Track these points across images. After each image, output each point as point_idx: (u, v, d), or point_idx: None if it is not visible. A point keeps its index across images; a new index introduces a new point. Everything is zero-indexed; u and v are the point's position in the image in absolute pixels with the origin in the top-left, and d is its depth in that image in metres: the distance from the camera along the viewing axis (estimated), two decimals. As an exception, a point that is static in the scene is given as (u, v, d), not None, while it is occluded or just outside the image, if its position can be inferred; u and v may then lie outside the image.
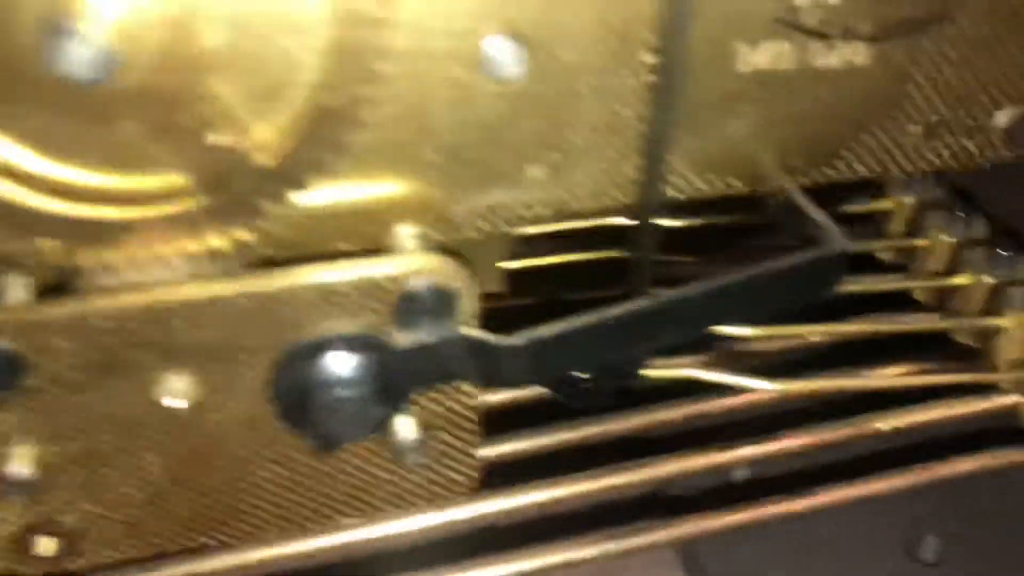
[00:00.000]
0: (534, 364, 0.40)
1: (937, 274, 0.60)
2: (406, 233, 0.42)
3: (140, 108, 0.35)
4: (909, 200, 0.63)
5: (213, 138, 0.36)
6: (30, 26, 0.31)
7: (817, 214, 0.43)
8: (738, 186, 0.44)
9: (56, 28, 0.30)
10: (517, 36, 0.37)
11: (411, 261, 0.40)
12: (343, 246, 0.42)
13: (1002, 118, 0.45)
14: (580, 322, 0.40)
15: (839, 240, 0.42)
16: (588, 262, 0.54)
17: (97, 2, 0.31)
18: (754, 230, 0.55)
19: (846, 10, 0.40)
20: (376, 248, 0.41)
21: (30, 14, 0.31)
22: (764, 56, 0.41)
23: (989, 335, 0.56)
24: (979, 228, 0.60)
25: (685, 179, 0.43)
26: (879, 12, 0.40)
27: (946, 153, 0.46)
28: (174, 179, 0.37)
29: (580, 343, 0.40)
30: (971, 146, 0.46)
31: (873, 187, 0.65)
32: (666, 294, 0.41)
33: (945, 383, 0.54)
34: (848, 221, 0.66)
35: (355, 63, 0.36)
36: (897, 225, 0.64)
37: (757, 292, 0.42)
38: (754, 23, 0.40)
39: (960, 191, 0.64)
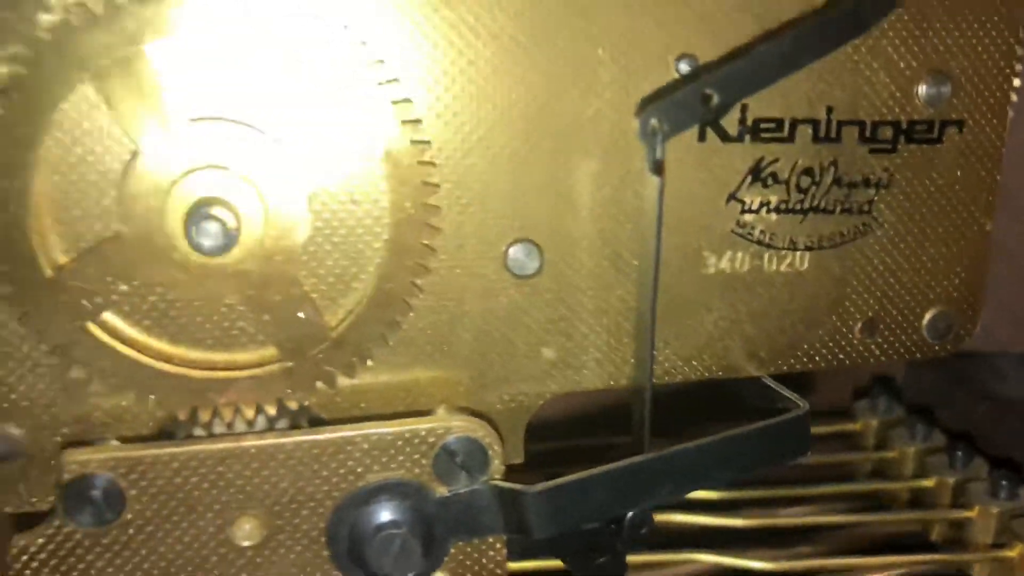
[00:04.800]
0: (555, 511, 0.47)
1: (906, 478, 0.67)
2: (442, 401, 0.50)
3: (242, 289, 0.45)
4: (873, 421, 0.72)
5: (300, 314, 0.46)
6: (178, 219, 0.42)
7: (784, 390, 0.52)
8: (716, 373, 0.53)
9: (199, 212, 0.41)
10: (534, 242, 0.49)
11: (449, 419, 0.48)
12: (391, 409, 0.50)
13: (927, 316, 0.55)
14: (592, 473, 0.47)
15: (803, 405, 0.50)
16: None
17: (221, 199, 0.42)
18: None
19: (786, 225, 0.52)
20: (419, 411, 0.50)
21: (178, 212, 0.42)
22: (726, 261, 0.52)
23: (959, 526, 0.62)
24: (937, 439, 0.68)
25: (673, 365, 0.53)
26: (813, 227, 0.52)
27: (886, 347, 0.55)
28: (263, 351, 0.47)
29: (593, 492, 0.47)
30: (906, 341, 0.56)
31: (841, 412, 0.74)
32: (663, 451, 0.48)
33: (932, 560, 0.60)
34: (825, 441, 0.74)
35: (407, 259, 0.47)
36: (869, 441, 0.72)
37: (741, 450, 0.50)
38: (716, 235, 0.51)
39: (917, 407, 0.73)
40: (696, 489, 0.51)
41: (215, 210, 0.42)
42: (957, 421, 0.71)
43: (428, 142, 0.46)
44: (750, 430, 0.49)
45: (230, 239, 0.42)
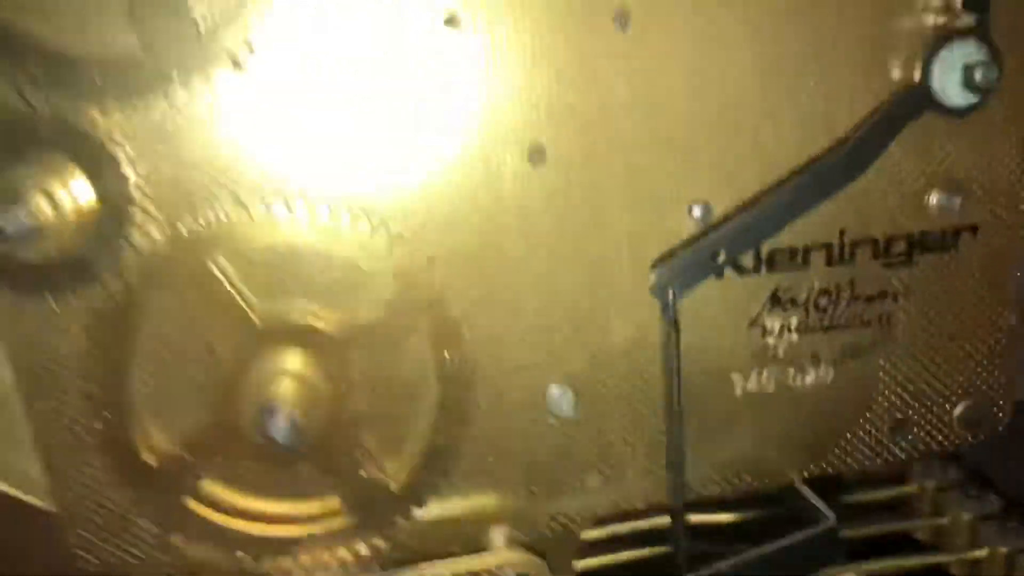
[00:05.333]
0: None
1: (964, 548, 0.69)
2: (497, 535, 0.55)
3: (312, 455, 0.51)
4: (930, 484, 0.73)
5: (364, 473, 0.51)
6: (251, 407, 0.48)
7: (813, 498, 0.55)
8: (751, 484, 0.57)
9: (269, 409, 0.47)
10: (570, 384, 0.53)
11: (501, 557, 0.53)
12: (453, 548, 0.55)
13: (957, 409, 0.58)
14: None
15: (831, 519, 0.53)
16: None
17: (288, 396, 0.48)
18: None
19: (807, 343, 0.55)
20: (478, 548, 0.55)
21: (253, 401, 0.48)
22: (752, 382, 0.55)
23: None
24: (991, 504, 0.69)
25: (709, 478, 0.56)
26: (834, 342, 0.55)
27: (918, 444, 0.58)
28: (333, 504, 0.52)
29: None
30: (937, 436, 0.58)
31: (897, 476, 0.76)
32: (704, 570, 0.52)
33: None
34: (882, 507, 0.76)
35: (455, 413, 0.52)
36: (924, 506, 0.74)
37: (783, 561, 0.53)
38: (741, 358, 0.54)
39: (973, 471, 0.74)
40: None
41: (285, 412, 0.47)
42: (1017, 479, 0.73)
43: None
44: (782, 547, 0.53)
45: (296, 431, 0.47)
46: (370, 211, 0.49)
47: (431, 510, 0.54)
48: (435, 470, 0.52)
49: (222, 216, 0.47)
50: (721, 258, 0.48)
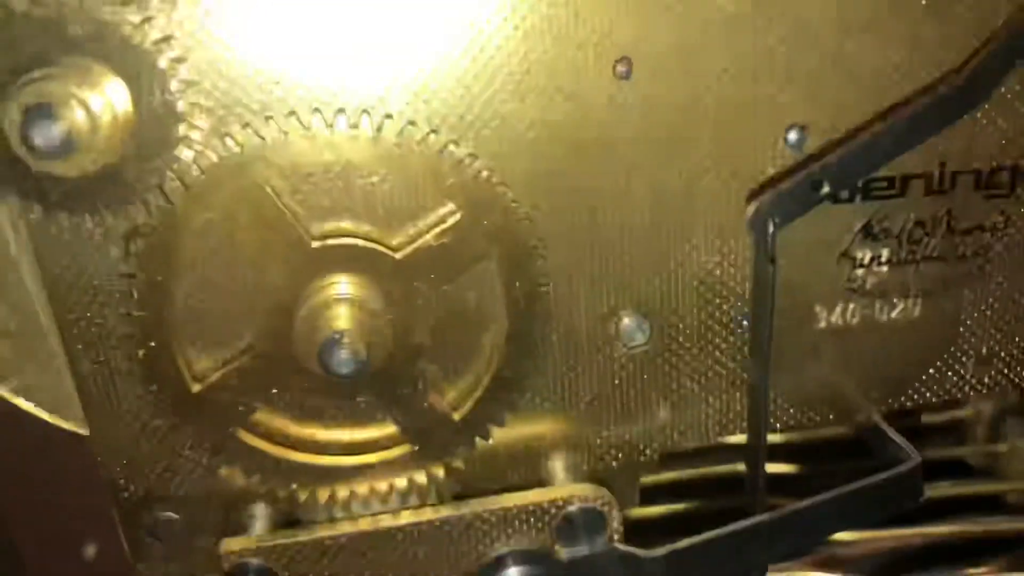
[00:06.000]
0: (675, 573, 0.50)
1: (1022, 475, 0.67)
2: (559, 464, 0.53)
3: (375, 385, 0.48)
4: (986, 409, 0.71)
5: (426, 403, 0.48)
6: (308, 335, 0.45)
7: (896, 436, 0.53)
8: (828, 417, 0.54)
9: (332, 340, 0.43)
10: (642, 313, 0.50)
11: (568, 489, 0.50)
12: (511, 477, 0.53)
13: (1044, 346, 0.55)
14: (711, 536, 0.50)
15: (915, 457, 0.51)
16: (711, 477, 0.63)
17: (351, 326, 0.44)
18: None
19: (897, 276, 0.51)
20: (537, 477, 0.52)
21: (309, 328, 0.45)
22: (837, 315, 0.52)
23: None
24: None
25: (786, 412, 0.54)
26: (925, 275, 0.51)
27: (1000, 380, 0.55)
28: (392, 433, 0.50)
29: (712, 554, 0.50)
30: (1021, 372, 0.55)
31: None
32: (779, 510, 0.50)
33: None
34: (933, 431, 0.74)
35: (524, 345, 0.48)
36: (979, 432, 0.72)
37: (856, 505, 0.51)
38: (827, 291, 0.51)
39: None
40: (814, 545, 0.52)
41: (349, 343, 0.43)
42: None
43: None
44: (863, 486, 0.51)
45: (360, 363, 0.44)
46: (439, 128, 0.44)
47: (495, 439, 0.51)
48: (500, 401, 0.49)
49: (276, 130, 0.43)
50: (825, 189, 0.44)
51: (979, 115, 0.48)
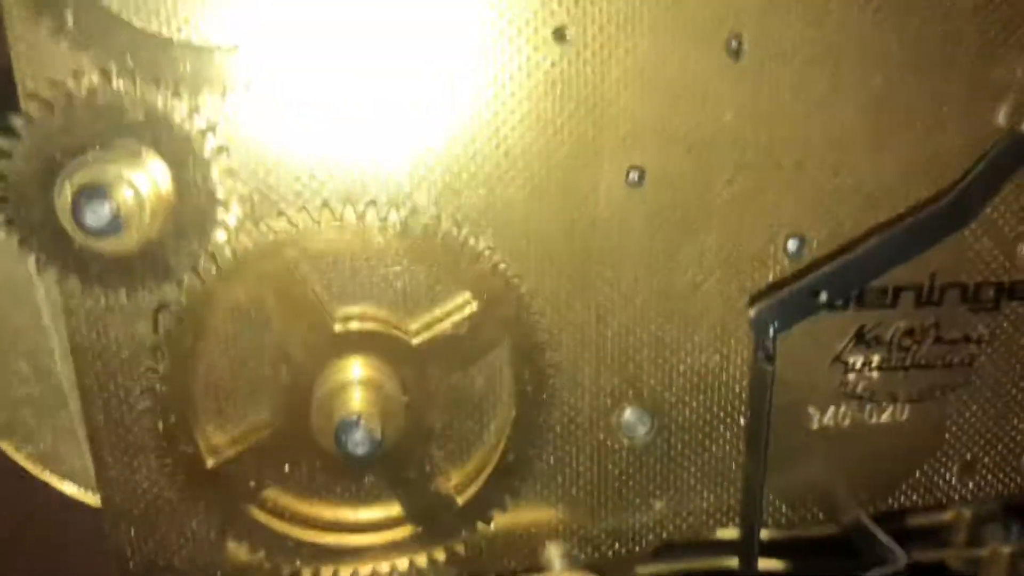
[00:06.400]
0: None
1: (999, 583, 0.68)
2: (555, 552, 0.54)
3: (383, 466, 0.49)
4: (967, 513, 0.73)
5: (432, 486, 0.50)
6: (324, 415, 0.46)
7: (883, 536, 0.54)
8: (818, 515, 0.56)
9: (349, 422, 0.45)
10: (645, 406, 0.52)
11: (565, 577, 0.52)
12: (508, 563, 0.54)
13: (1026, 457, 0.57)
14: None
15: (901, 557, 0.52)
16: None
17: (368, 409, 0.46)
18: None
19: (887, 381, 0.54)
20: (534, 564, 0.54)
21: (326, 409, 0.46)
22: (829, 417, 0.54)
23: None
24: (1031, 539, 0.69)
25: (778, 510, 0.55)
26: (914, 381, 0.54)
27: (985, 487, 0.57)
28: (397, 514, 0.51)
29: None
30: (1005, 480, 0.57)
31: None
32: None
33: None
34: (916, 534, 0.76)
35: (529, 432, 0.50)
36: (960, 536, 0.73)
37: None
38: (821, 393, 0.53)
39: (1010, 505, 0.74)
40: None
41: (366, 426, 0.45)
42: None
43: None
44: (852, 585, 0.52)
45: (375, 445, 0.45)
46: (461, 222, 0.46)
47: (496, 523, 0.52)
48: (503, 487, 0.51)
49: (308, 219, 0.45)
50: (823, 297, 0.47)
51: (966, 233, 0.51)
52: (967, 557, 0.72)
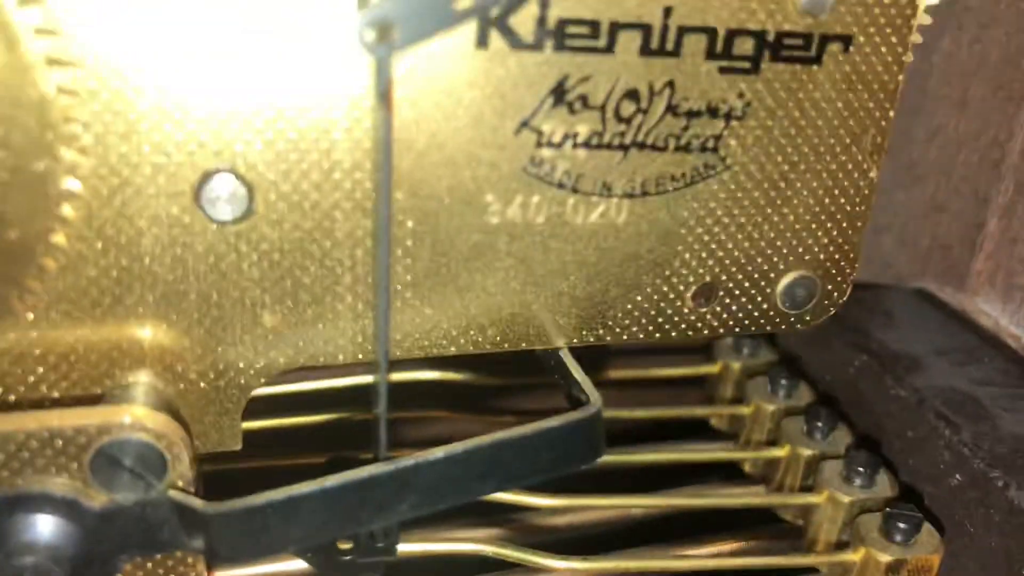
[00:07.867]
0: (249, 535, 0.36)
1: (760, 444, 0.57)
2: (130, 381, 0.38)
3: None
4: (735, 364, 0.61)
5: None
6: None
7: (580, 375, 0.41)
8: (502, 345, 0.42)
9: None
10: (238, 175, 0.35)
11: (110, 413, 0.36)
12: (56, 392, 0.38)
13: (783, 281, 0.43)
14: (302, 489, 0.36)
15: (595, 402, 0.39)
16: (335, 423, 0.50)
17: None
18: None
19: (599, 165, 0.38)
20: (94, 394, 0.38)
21: None
22: (516, 208, 0.39)
23: (809, 512, 0.52)
24: (801, 395, 0.58)
25: (445, 335, 0.41)
26: (636, 168, 0.39)
27: (726, 318, 0.44)
28: None
29: (303, 513, 0.36)
30: (753, 311, 0.44)
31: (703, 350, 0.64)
32: (403, 459, 0.37)
33: (761, 566, 0.50)
34: (678, 384, 0.64)
35: (40, 199, 0.33)
36: (724, 391, 0.62)
37: (514, 457, 0.39)
38: (503, 174, 0.38)
39: (786, 356, 0.63)
40: (448, 505, 0.39)
41: None
42: (832, 372, 0.61)
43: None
44: (523, 434, 0.38)
45: None
46: None
47: (25, 328, 0.36)
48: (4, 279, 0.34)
49: None
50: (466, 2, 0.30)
51: (720, -46, 0.36)
52: (730, 414, 0.60)
